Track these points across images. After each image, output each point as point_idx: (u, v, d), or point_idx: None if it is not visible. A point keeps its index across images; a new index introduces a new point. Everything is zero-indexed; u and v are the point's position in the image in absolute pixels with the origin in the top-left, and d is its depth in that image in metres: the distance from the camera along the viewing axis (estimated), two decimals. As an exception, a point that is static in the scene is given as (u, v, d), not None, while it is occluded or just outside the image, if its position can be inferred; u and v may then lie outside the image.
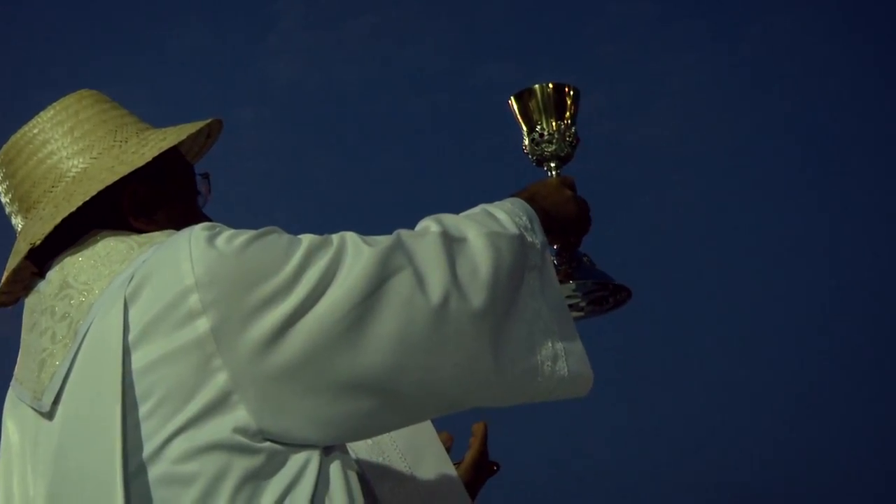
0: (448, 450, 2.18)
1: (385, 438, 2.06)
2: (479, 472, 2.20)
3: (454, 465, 2.17)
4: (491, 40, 6.92)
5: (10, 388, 1.72)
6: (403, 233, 1.63)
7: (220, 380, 1.45)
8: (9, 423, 1.70)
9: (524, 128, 2.14)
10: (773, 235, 6.37)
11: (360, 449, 2.00)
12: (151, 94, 6.24)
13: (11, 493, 1.67)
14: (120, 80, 6.03)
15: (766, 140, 6.59)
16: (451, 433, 2.21)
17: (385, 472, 2.03)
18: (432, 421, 2.09)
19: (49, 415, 1.57)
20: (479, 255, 1.64)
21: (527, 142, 2.13)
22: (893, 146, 6.31)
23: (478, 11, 6.94)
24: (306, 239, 1.55)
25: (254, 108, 6.78)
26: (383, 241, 1.58)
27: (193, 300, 1.46)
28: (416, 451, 2.08)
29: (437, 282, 1.57)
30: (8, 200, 1.78)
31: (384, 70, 6.94)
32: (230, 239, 1.51)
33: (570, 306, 2.05)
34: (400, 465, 2.06)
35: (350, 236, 1.58)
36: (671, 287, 5.78)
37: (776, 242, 6.36)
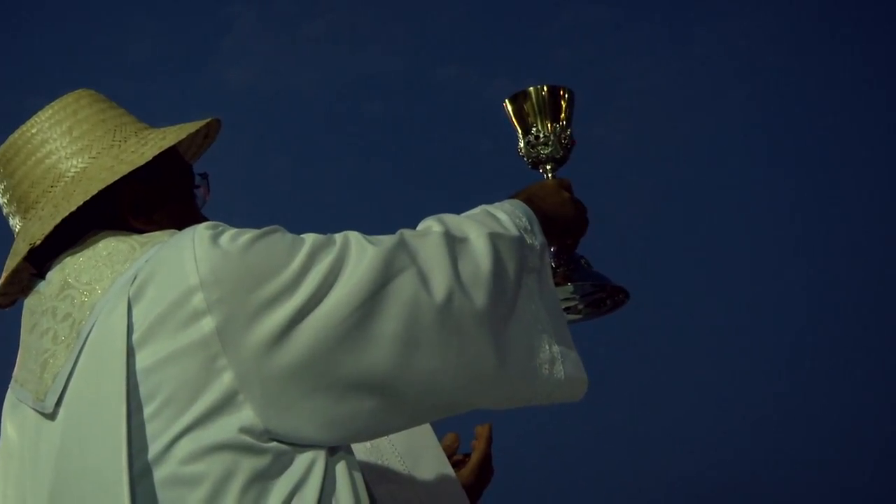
0: (455, 451, 2.17)
1: (384, 441, 2.04)
2: (482, 475, 2.18)
3: (460, 460, 2.16)
4: (446, 44, 6.94)
5: (10, 389, 1.70)
6: (406, 232, 1.63)
7: (225, 379, 1.44)
8: (8, 424, 1.68)
9: (519, 130, 2.14)
10: (732, 234, 6.43)
11: (359, 451, 1.98)
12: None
13: (6, 496, 1.65)
14: (75, 85, 5.95)
15: (721, 140, 6.67)
16: (455, 435, 2.20)
17: (383, 474, 2.02)
18: (434, 424, 2.08)
19: (51, 416, 1.55)
20: (481, 255, 1.64)
21: (522, 144, 2.13)
22: (847, 139, 6.40)
23: (433, 15, 6.95)
24: (309, 238, 1.54)
25: (209, 113, 6.72)
26: (386, 240, 1.58)
27: (198, 299, 1.45)
28: (415, 454, 2.07)
29: (440, 281, 1.57)
30: (6, 201, 1.75)
31: (339, 73, 6.93)
32: (234, 238, 1.50)
33: (568, 309, 2.07)
34: (398, 467, 2.05)
35: (353, 235, 1.57)
36: (629, 289, 5.78)
37: (736, 240, 6.42)
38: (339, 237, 1.57)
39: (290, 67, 6.91)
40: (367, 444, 2.02)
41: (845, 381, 5.95)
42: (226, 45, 6.89)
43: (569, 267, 2.02)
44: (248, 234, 1.51)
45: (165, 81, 6.74)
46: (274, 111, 6.78)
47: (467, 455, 2.19)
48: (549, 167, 2.11)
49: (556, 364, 1.73)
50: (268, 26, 6.94)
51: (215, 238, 1.50)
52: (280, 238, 1.53)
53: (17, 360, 1.69)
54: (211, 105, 6.74)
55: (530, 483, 5.73)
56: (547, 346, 1.72)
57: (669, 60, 6.79)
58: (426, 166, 6.61)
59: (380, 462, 2.04)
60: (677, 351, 6.23)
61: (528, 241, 1.74)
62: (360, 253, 1.53)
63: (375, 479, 1.95)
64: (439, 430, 2.15)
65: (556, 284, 1.92)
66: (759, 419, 5.97)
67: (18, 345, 1.70)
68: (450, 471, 2.09)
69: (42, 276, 1.69)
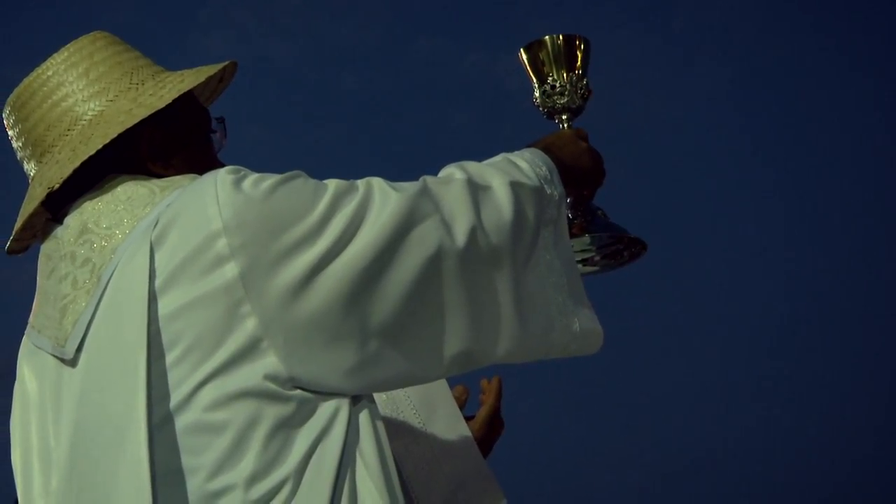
0: (464, 403, 2.15)
1: (400, 394, 2.03)
2: (492, 428, 2.16)
3: (467, 419, 2.14)
4: (422, 16, 6.91)
5: (26, 335, 1.67)
6: (429, 179, 1.61)
7: (249, 326, 1.42)
8: (25, 371, 1.65)
9: (534, 80, 2.10)
10: (705, 209, 6.46)
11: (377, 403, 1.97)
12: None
13: (30, 444, 1.62)
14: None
15: (696, 114, 6.68)
16: (464, 387, 2.18)
17: (399, 428, 2.01)
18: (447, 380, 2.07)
19: (72, 362, 1.53)
20: (504, 203, 1.63)
21: (538, 94, 2.09)
22: (823, 111, 6.43)
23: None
24: (332, 183, 1.52)
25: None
26: (410, 187, 1.56)
27: (221, 245, 1.42)
28: (430, 408, 2.06)
29: (463, 228, 1.55)
30: (20, 145, 1.72)
31: (315, 45, 6.89)
32: (257, 182, 1.47)
33: (585, 260, 2.05)
34: (414, 421, 2.03)
35: (376, 182, 1.55)
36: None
37: (708, 216, 6.45)
38: (361, 183, 1.54)
39: (267, 38, 6.87)
40: (384, 396, 2.01)
41: (834, 365, 5.98)
42: (202, 16, 6.84)
43: (585, 218, 1.99)
44: (270, 179, 1.49)
45: (142, 51, 6.65)
46: (250, 82, 6.73)
47: (470, 418, 2.17)
48: (565, 117, 2.08)
49: (571, 316, 1.73)
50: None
51: (238, 183, 1.47)
52: (303, 183, 1.50)
53: (34, 305, 1.66)
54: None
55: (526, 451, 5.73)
56: (561, 298, 1.71)
57: (646, 34, 6.79)
58: (401, 137, 6.60)
59: (395, 415, 2.02)
60: (661, 327, 6.25)
61: (548, 190, 1.72)
62: (384, 199, 1.51)
63: (391, 434, 1.93)
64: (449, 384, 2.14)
65: (573, 236, 1.90)
66: (750, 401, 6.00)
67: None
68: (463, 424, 2.08)
69: (58, 220, 1.66)
